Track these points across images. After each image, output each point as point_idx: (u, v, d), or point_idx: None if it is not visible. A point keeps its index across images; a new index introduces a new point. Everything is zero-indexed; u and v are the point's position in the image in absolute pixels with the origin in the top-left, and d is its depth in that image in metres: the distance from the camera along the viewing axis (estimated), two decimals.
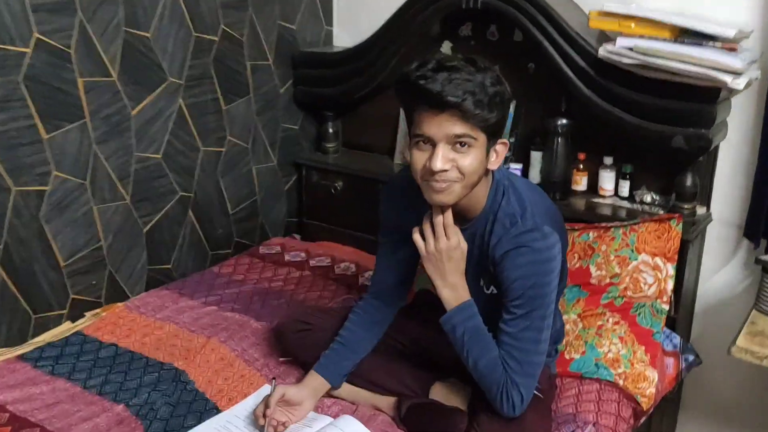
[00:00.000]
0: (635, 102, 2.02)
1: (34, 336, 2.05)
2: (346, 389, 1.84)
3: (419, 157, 1.44)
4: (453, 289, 1.58)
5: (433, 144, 1.41)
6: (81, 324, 2.15)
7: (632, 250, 1.98)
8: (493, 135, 1.46)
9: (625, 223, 2.01)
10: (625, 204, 2.22)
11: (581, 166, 2.29)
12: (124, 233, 2.25)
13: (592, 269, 2.01)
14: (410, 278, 1.83)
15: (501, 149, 1.50)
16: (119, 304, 2.23)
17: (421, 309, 1.89)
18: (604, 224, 2.06)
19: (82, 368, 1.95)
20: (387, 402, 1.81)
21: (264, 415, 1.66)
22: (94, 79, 2.06)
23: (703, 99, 1.91)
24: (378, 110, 2.72)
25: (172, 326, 2.16)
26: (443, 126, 1.39)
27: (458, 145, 1.40)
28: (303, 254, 2.65)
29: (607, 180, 2.26)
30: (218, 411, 1.81)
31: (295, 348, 1.94)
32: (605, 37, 2.16)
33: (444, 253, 1.54)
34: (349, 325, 1.82)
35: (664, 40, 1.90)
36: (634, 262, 1.97)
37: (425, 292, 1.86)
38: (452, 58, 1.43)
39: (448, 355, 1.68)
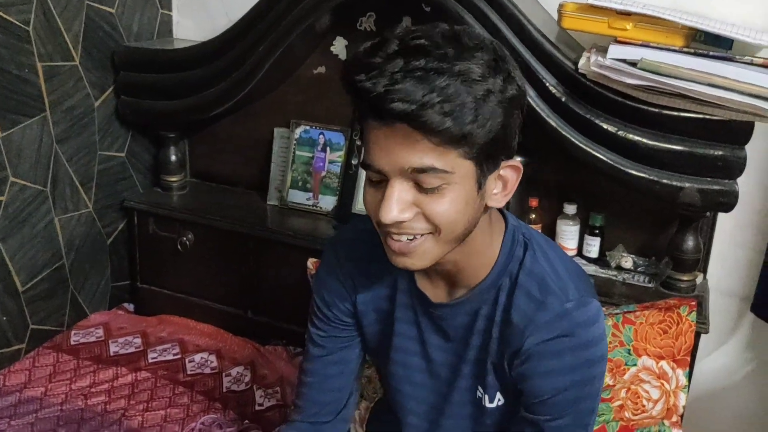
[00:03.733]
0: (626, 140, 1.41)
1: None
2: None
3: (370, 198, 0.90)
4: None
5: (386, 179, 0.86)
6: None
7: (629, 351, 1.38)
8: (487, 158, 0.87)
9: (616, 310, 1.41)
10: (594, 270, 1.63)
11: (533, 216, 1.67)
12: None
13: None
14: (356, 388, 1.18)
15: (510, 176, 0.92)
16: None
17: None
18: None
19: None
20: None
21: None
22: None
23: (729, 138, 1.34)
24: (242, 129, 1.95)
25: None
26: (394, 152, 0.84)
27: (423, 183, 0.85)
28: (138, 341, 1.84)
29: (568, 235, 1.66)
30: None
31: None
32: (575, 44, 1.55)
33: None
34: None
35: (678, 50, 1.30)
36: (633, 369, 1.38)
37: (383, 408, 1.22)
38: (425, 33, 0.84)
39: None
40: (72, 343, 1.81)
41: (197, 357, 1.79)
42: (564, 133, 1.47)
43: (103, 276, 1.96)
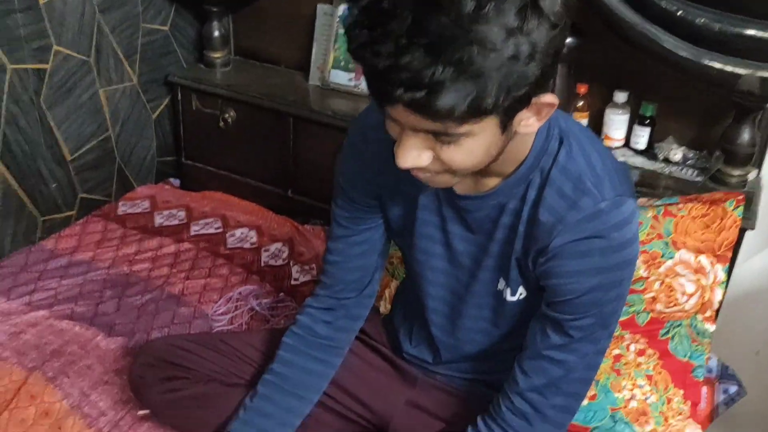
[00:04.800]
0: (685, 22, 1.31)
1: None
2: None
3: (388, 126, 0.83)
4: None
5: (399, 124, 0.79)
6: None
7: (667, 244, 1.34)
8: (514, 109, 0.77)
9: (657, 202, 1.36)
10: (641, 161, 1.56)
11: (581, 103, 1.60)
12: None
13: None
14: (381, 265, 1.18)
15: (544, 107, 0.81)
16: None
17: (394, 327, 1.25)
18: None
19: None
20: None
21: None
22: None
23: None
24: (286, 5, 1.90)
25: None
26: (404, 117, 0.76)
27: (439, 137, 0.78)
28: (182, 214, 1.89)
29: (616, 125, 1.58)
30: None
31: (162, 409, 1.25)
32: None
33: None
34: (288, 353, 1.16)
35: None
36: (669, 262, 1.34)
37: (410, 288, 1.18)
38: None
39: None
40: (119, 213, 1.87)
41: (238, 232, 1.83)
42: (618, 11, 1.37)
43: (148, 150, 2.00)
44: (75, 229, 1.79)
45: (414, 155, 0.80)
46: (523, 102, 0.77)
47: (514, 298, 1.01)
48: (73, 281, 1.63)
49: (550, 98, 0.79)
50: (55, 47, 1.64)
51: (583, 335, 0.95)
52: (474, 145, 0.79)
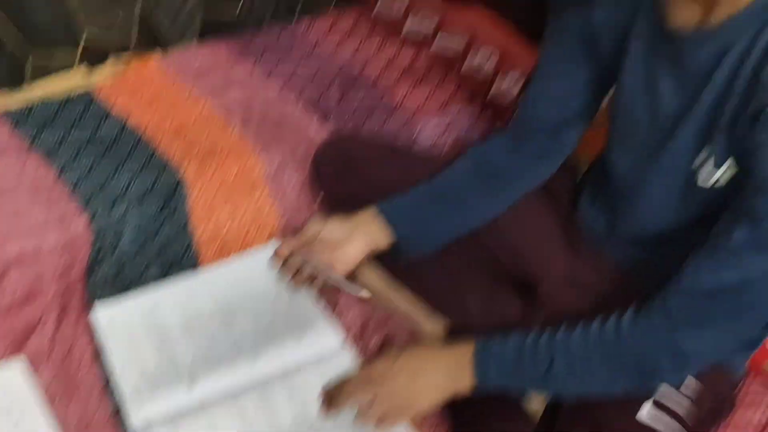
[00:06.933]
0: None
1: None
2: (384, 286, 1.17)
3: None
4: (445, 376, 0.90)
5: None
6: (95, 80, 1.59)
7: None
8: None
9: None
10: None
11: None
12: None
13: None
14: (582, 119, 1.03)
15: None
16: (153, 56, 1.63)
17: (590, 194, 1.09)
18: None
19: (71, 144, 1.39)
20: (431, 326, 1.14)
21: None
22: None
23: None
24: None
25: (206, 108, 1.54)
26: None
27: None
28: (432, 25, 1.80)
29: None
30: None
31: (328, 191, 1.27)
32: None
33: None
34: (454, 172, 1.09)
35: None
36: None
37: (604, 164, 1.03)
38: None
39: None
40: (376, 12, 1.83)
41: (480, 53, 1.69)
42: None
43: None
44: (328, 19, 1.80)
45: None
46: None
47: (710, 185, 0.83)
48: (309, 69, 1.66)
49: None
50: None
51: None
52: None
